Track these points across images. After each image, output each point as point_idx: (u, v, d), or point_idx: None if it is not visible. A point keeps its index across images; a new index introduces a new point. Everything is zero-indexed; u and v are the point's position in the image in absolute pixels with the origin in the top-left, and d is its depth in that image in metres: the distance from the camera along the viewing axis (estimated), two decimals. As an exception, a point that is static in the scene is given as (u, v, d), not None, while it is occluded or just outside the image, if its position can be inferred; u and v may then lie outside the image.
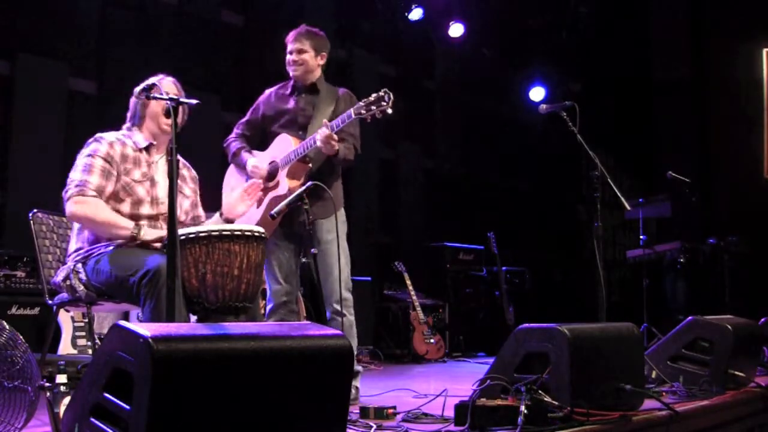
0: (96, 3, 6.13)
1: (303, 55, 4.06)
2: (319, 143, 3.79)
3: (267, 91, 4.27)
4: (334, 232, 3.97)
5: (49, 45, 5.87)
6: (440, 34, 8.40)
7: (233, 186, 4.16)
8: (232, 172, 4.27)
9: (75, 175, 3.28)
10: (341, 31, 8.25)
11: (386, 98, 3.71)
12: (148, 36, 6.33)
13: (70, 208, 3.25)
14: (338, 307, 3.88)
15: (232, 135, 4.25)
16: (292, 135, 4.04)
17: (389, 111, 3.72)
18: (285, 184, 3.88)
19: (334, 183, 4.08)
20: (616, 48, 8.89)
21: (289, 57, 4.09)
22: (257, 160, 4.09)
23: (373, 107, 3.73)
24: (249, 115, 4.26)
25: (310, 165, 3.99)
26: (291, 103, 4.14)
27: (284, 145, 4.02)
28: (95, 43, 6.14)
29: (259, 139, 4.20)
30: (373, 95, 3.73)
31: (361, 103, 3.77)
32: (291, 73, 4.13)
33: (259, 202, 4.00)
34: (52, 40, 5.86)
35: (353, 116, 3.78)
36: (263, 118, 4.19)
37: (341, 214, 4.11)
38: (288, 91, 4.18)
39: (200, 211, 3.67)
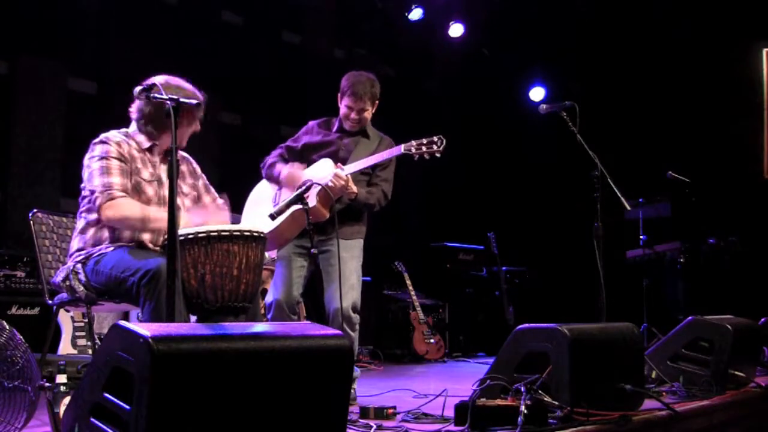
0: (96, 3, 6.13)
1: (364, 113, 4.10)
2: (328, 181, 3.80)
3: (310, 123, 4.28)
4: (352, 252, 4.05)
5: (49, 45, 5.87)
6: (440, 34, 8.39)
7: (261, 197, 4.17)
8: (262, 186, 4.27)
9: (96, 181, 3.24)
10: (341, 31, 8.26)
11: (439, 142, 3.84)
12: (148, 36, 6.33)
13: (105, 214, 3.21)
14: (347, 314, 3.90)
15: (270, 155, 4.24)
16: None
17: (437, 155, 3.84)
18: (314, 199, 3.83)
19: (360, 216, 4.15)
20: (616, 47, 8.89)
21: (348, 112, 4.08)
22: (291, 167, 4.08)
23: (424, 147, 3.83)
24: (289, 142, 4.27)
25: None
26: (335, 137, 4.16)
27: (324, 168, 4.01)
28: (95, 43, 6.14)
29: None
30: (426, 138, 3.85)
31: (413, 142, 3.88)
32: (347, 126, 4.14)
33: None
34: (52, 40, 5.87)
35: (402, 151, 3.88)
36: (303, 147, 4.19)
37: (361, 242, 4.15)
38: (334, 128, 4.19)
39: (206, 200, 3.63)
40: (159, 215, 3.24)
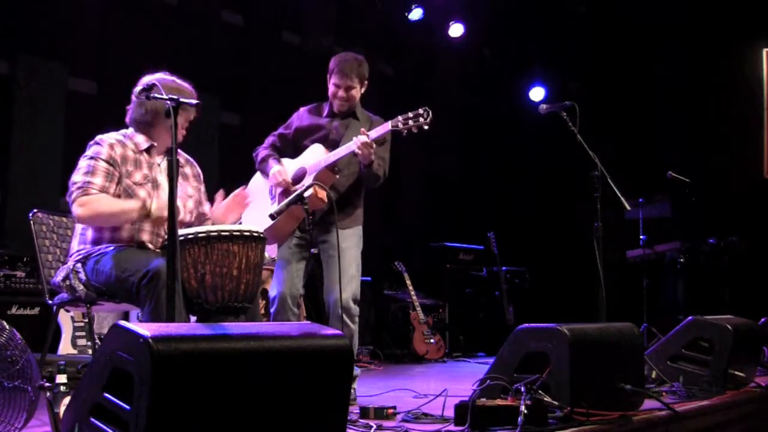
0: (96, 3, 6.13)
1: (351, 91, 4.09)
2: (356, 149, 3.81)
3: (301, 109, 4.28)
4: (351, 241, 4.05)
5: (49, 45, 5.86)
6: (440, 34, 8.39)
7: (258, 191, 4.18)
8: (257, 178, 4.27)
9: (77, 177, 3.25)
10: (341, 31, 8.25)
11: (425, 115, 3.80)
12: (148, 36, 6.33)
13: (76, 211, 3.22)
14: (346, 305, 3.89)
15: (263, 144, 4.24)
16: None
17: (425, 127, 3.80)
18: (309, 189, 3.81)
19: (356, 201, 4.15)
20: (616, 48, 8.89)
21: (336, 90, 4.08)
22: (282, 167, 4.09)
23: (411, 122, 3.80)
24: (281, 129, 4.27)
25: (338, 176, 4.01)
26: (325, 122, 4.16)
27: (316, 154, 4.02)
28: (95, 43, 6.14)
29: (290, 154, 4.19)
30: (412, 111, 3.81)
31: (400, 117, 3.85)
32: (335, 106, 4.14)
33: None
34: (52, 40, 5.86)
35: (390, 128, 3.86)
36: (295, 132, 4.20)
37: (360, 230, 4.16)
38: (324, 113, 4.19)
39: (206, 209, 3.65)
40: (131, 206, 3.23)
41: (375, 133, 3.89)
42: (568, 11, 8.85)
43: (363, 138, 3.81)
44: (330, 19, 8.17)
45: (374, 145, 3.84)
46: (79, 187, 3.22)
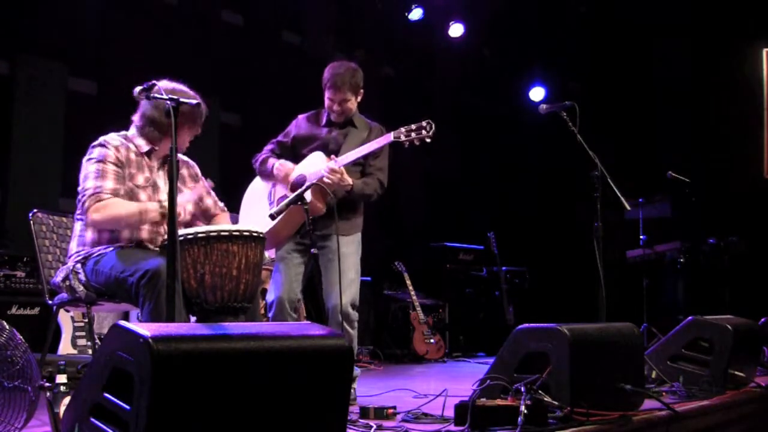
0: (96, 3, 6.13)
1: (346, 104, 4.07)
2: (324, 177, 3.80)
3: (299, 117, 4.27)
4: (352, 247, 4.05)
5: (49, 45, 5.87)
6: (440, 34, 8.40)
7: (256, 195, 4.18)
8: (255, 184, 4.26)
9: (88, 183, 3.24)
10: (341, 31, 8.26)
11: (428, 128, 3.82)
12: (148, 36, 6.33)
13: (92, 217, 3.21)
14: (345, 311, 3.89)
15: (261, 152, 4.24)
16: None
17: (428, 140, 3.82)
18: (309, 194, 3.81)
19: (356, 208, 4.14)
20: (616, 48, 8.89)
21: (331, 104, 4.07)
22: (284, 161, 4.09)
23: (413, 134, 3.82)
24: (280, 137, 4.26)
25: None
26: (323, 131, 4.15)
27: (317, 162, 4.00)
28: (95, 43, 6.14)
29: (290, 160, 4.17)
30: (415, 123, 3.83)
31: (402, 129, 3.86)
32: (333, 118, 4.12)
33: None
34: (52, 40, 5.86)
35: (392, 139, 3.86)
36: (294, 140, 4.19)
37: (359, 236, 4.15)
38: (322, 121, 4.18)
39: (209, 203, 3.63)
40: (151, 207, 3.25)
41: (377, 143, 3.90)
42: (568, 11, 8.86)
43: (331, 164, 3.80)
44: (330, 19, 8.17)
45: (343, 172, 3.82)
46: (91, 194, 3.21)
